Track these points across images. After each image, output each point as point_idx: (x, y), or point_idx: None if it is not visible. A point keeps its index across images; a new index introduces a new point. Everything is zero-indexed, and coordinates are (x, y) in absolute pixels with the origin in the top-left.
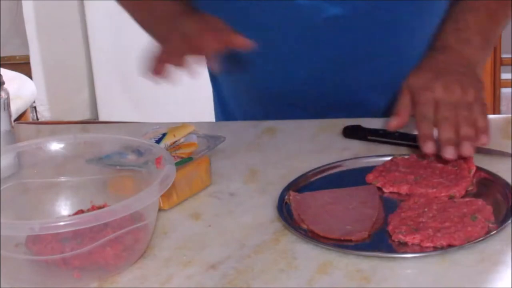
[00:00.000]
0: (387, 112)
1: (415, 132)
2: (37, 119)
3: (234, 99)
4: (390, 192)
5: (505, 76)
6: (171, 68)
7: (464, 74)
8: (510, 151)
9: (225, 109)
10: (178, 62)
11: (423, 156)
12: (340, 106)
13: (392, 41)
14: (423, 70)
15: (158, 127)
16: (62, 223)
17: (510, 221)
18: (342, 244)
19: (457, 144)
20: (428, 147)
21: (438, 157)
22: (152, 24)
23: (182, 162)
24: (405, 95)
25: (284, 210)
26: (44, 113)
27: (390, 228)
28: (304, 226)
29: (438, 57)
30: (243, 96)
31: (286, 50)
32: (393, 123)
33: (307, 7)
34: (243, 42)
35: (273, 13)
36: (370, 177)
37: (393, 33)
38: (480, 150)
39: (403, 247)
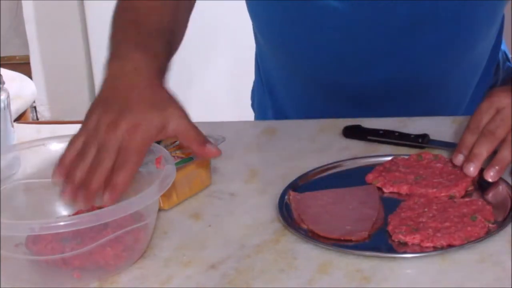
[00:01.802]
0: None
1: (415, 133)
2: (37, 119)
3: (306, 96)
4: (390, 192)
5: None
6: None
7: None
8: None
9: (277, 105)
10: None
11: (422, 156)
12: (415, 106)
13: (472, 41)
14: (497, 87)
15: None
16: (62, 223)
17: (510, 221)
18: (342, 244)
19: (485, 163)
20: (457, 159)
21: (436, 158)
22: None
23: (182, 162)
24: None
25: (284, 210)
26: (44, 113)
27: (390, 228)
28: (304, 226)
29: (508, 84)
30: (316, 94)
31: (369, 50)
32: (457, 159)
33: (394, 7)
34: (213, 152)
35: (358, 13)
36: (370, 177)
37: (473, 33)
38: None
39: (403, 247)
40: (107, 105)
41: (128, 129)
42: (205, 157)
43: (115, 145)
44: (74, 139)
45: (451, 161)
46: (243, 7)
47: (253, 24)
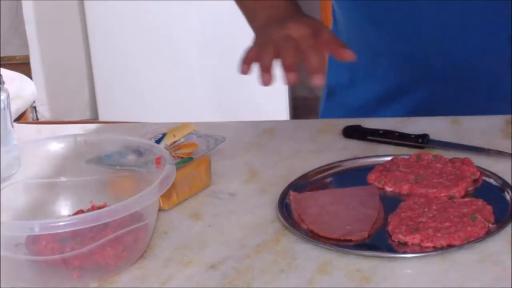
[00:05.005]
0: None
1: (415, 133)
2: (37, 119)
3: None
4: (391, 191)
5: None
6: (258, 68)
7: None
8: (510, 151)
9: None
10: (267, 64)
11: (421, 156)
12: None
13: None
14: None
15: (158, 127)
16: (62, 223)
17: (510, 221)
18: (342, 244)
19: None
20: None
21: (436, 158)
22: (258, 17)
23: (182, 162)
24: None
25: (284, 210)
26: (44, 113)
27: (390, 228)
28: (304, 226)
29: None
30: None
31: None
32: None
33: None
34: (347, 55)
35: None
36: (372, 177)
37: None
38: (479, 151)
39: (403, 247)
40: (268, 25)
41: (293, 24)
42: (340, 58)
43: (289, 36)
44: (249, 48)
45: (450, 161)
46: None
47: (339, 8)
